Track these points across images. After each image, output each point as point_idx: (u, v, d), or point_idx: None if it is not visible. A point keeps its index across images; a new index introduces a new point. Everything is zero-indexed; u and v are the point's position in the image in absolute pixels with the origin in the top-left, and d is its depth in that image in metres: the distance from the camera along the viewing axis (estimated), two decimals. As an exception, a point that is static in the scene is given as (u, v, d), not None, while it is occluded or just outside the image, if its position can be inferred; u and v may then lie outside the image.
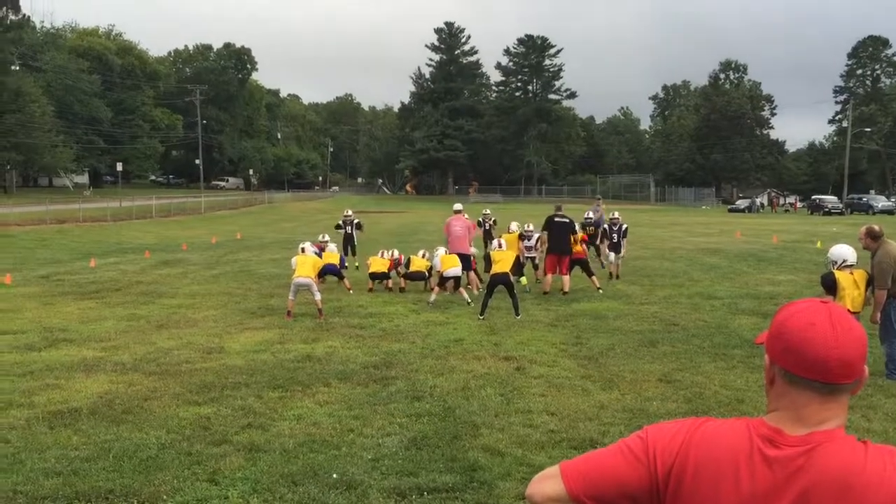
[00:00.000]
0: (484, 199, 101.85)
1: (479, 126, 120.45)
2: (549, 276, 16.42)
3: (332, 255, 17.44)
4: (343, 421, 7.39)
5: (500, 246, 14.40)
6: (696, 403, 8.00)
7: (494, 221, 25.13)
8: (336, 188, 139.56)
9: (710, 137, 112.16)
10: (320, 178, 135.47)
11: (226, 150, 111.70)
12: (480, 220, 24.73)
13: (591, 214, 21.57)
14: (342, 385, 8.76)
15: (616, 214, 20.05)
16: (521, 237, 18.14)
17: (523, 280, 17.35)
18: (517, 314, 13.33)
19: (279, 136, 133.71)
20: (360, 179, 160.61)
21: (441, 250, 16.23)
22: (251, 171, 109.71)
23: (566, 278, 16.25)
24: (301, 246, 14.79)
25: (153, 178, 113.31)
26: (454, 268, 15.41)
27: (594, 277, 16.76)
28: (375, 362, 9.87)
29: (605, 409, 7.77)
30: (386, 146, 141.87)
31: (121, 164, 66.35)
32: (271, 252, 28.01)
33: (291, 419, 7.49)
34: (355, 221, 22.82)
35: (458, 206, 18.15)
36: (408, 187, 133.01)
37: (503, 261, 13.70)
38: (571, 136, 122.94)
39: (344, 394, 8.38)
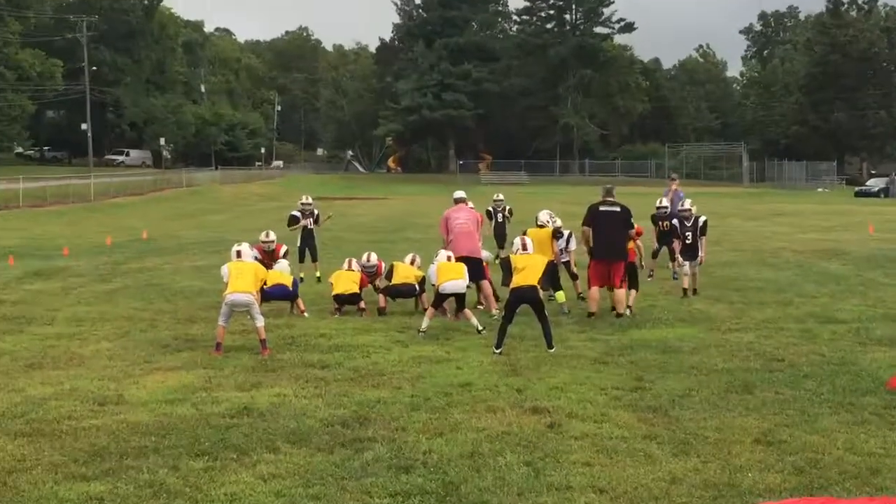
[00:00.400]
0: (500, 180, 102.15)
1: (494, 73, 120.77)
2: (596, 291, 16.43)
3: (283, 275, 17.10)
4: None
5: (523, 247, 14.26)
6: (811, 475, 7.97)
7: (510, 211, 25.16)
8: (279, 164, 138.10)
9: (829, 88, 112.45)
10: (263, 151, 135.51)
11: (126, 109, 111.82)
12: (490, 209, 24.81)
13: (665, 202, 21.53)
14: (296, 451, 8.72)
15: (688, 204, 20.12)
16: (556, 234, 17.86)
17: (559, 296, 17.30)
18: (550, 346, 13.31)
19: (203, 90, 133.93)
20: (320, 151, 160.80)
21: (442, 255, 16.09)
22: (162, 141, 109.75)
23: (620, 293, 16.26)
24: (236, 248, 14.60)
25: (20, 150, 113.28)
26: (455, 280, 15.30)
27: (633, 293, 16.79)
28: (344, 417, 9.85)
29: (679, 484, 7.73)
30: (358, 103, 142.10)
31: (-28, 130, 66.65)
32: (192, 257, 28.02)
33: (222, 501, 7.44)
34: (316, 213, 22.82)
35: (459, 194, 18.15)
36: (390, 162, 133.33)
37: (529, 269, 13.64)
38: (627, 87, 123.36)
39: (298, 463, 8.35)
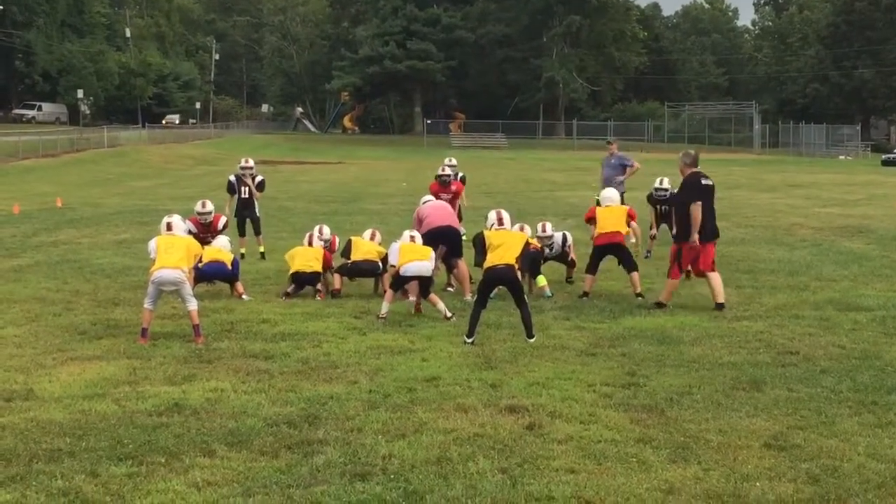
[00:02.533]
0: (474, 142, 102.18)
1: (468, 19, 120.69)
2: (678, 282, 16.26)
3: (221, 251, 17.00)
4: (236, 515, 7.35)
5: (499, 222, 14.24)
6: (828, 484, 8.03)
7: (463, 179, 24.94)
8: (174, 118, 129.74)
9: (854, 41, 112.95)
10: (198, 106, 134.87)
11: (37, 56, 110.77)
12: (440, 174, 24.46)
13: (665, 183, 21.76)
14: (234, 454, 8.72)
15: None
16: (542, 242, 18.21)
17: (540, 280, 17.39)
18: (529, 336, 13.35)
19: (128, 35, 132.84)
20: (265, 108, 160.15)
21: (405, 236, 16.04)
22: (80, 94, 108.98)
23: (715, 277, 15.91)
24: (166, 220, 14.60)
25: None
26: (419, 262, 15.23)
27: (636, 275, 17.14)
28: (290, 416, 9.86)
29: (677, 495, 7.78)
30: (310, 52, 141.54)
31: None
32: (115, 230, 27.88)
33: (148, 512, 7.43)
34: (258, 179, 22.61)
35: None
36: (346, 121, 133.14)
37: (505, 246, 13.65)
38: (622, 37, 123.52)
39: (237, 469, 8.35)
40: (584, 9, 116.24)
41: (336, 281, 17.11)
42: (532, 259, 16.56)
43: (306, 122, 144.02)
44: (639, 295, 16.67)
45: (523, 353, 12.71)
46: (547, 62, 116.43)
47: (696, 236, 15.46)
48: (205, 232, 18.40)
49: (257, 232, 22.14)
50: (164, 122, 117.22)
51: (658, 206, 21.65)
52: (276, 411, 10.02)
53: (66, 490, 7.81)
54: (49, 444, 8.94)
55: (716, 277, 15.90)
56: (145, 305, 13.51)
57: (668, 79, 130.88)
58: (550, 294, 16.89)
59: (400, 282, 15.22)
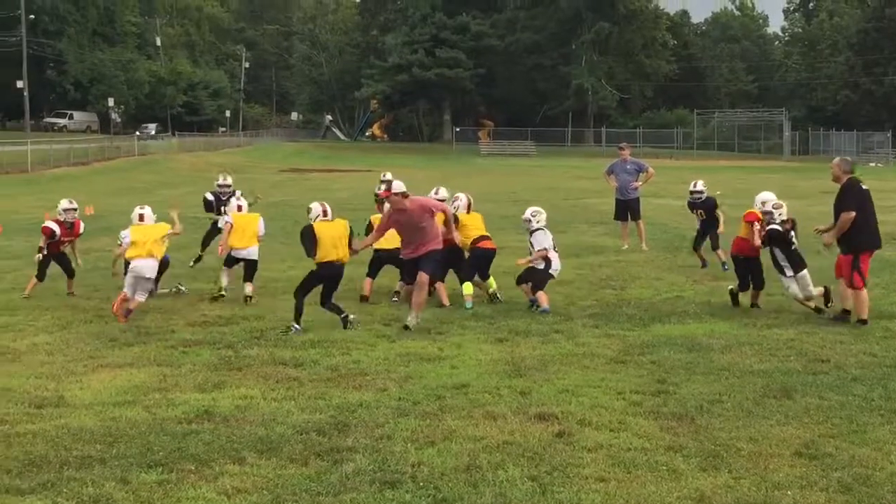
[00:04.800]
0: (503, 150, 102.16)
1: (497, 27, 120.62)
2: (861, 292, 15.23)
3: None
4: (265, 522, 7.36)
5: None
6: (860, 493, 7.99)
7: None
8: (150, 129, 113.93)
9: (884, 47, 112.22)
10: (228, 114, 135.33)
11: (69, 65, 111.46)
12: (377, 191, 24.33)
13: (699, 185, 21.65)
14: (264, 462, 8.74)
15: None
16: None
17: (491, 283, 17.25)
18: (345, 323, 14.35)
19: (158, 44, 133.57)
20: (295, 116, 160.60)
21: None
22: (111, 102, 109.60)
23: (861, 295, 15.17)
24: (139, 211, 16.42)
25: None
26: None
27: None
28: (320, 423, 9.86)
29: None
30: (339, 61, 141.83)
31: None
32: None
33: (178, 519, 7.44)
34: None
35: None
36: (375, 129, 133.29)
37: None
38: (651, 44, 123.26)
39: (267, 476, 8.37)
40: (614, 16, 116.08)
41: (366, 286, 17.16)
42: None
43: (335, 130, 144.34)
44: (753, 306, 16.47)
45: (552, 360, 12.68)
46: (576, 70, 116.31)
47: (832, 240, 15.42)
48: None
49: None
50: (144, 130, 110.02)
51: (696, 211, 21.52)
52: (306, 419, 10.03)
53: (97, 497, 7.84)
54: (80, 450, 8.98)
55: (863, 295, 15.12)
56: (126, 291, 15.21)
57: (697, 86, 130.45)
58: (470, 306, 16.42)
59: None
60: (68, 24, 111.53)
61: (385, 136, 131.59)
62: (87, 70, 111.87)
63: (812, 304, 15.76)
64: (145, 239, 15.65)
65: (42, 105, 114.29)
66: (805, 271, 15.67)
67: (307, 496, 7.90)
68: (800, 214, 35.36)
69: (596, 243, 25.42)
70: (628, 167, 24.65)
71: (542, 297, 16.15)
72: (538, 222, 16.80)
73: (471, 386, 11.31)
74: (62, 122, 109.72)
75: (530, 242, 16.89)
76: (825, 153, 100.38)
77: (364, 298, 17.10)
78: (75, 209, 18.57)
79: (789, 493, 7.99)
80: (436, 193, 18.14)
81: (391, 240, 16.28)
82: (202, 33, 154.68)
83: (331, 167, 79.25)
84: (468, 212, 17.60)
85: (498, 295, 17.11)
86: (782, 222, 15.65)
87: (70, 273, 18.21)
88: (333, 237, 14.74)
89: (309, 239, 14.73)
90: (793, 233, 15.65)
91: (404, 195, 15.27)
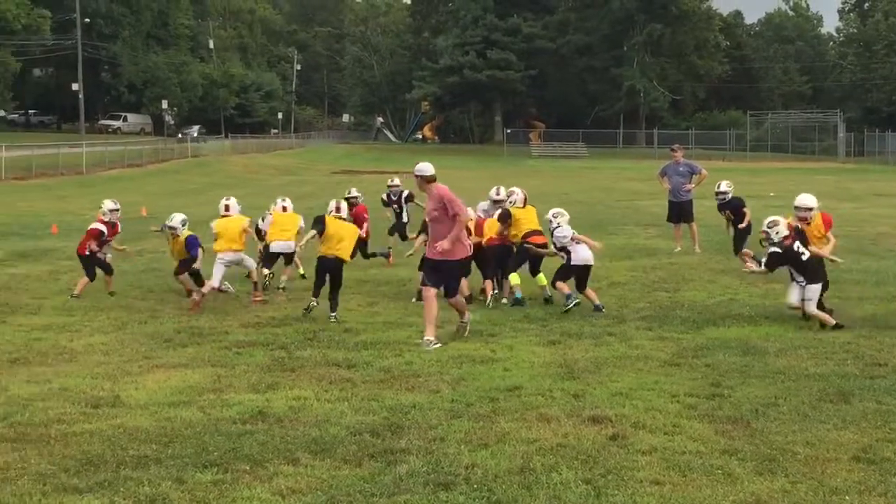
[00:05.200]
0: (555, 152, 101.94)
1: (548, 28, 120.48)
2: None
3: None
4: (320, 523, 7.37)
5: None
6: (919, 499, 7.92)
7: (410, 197, 24.61)
8: (193, 130, 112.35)
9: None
10: (280, 116, 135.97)
11: (123, 68, 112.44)
12: (384, 196, 24.57)
13: (723, 186, 21.71)
14: (318, 462, 8.76)
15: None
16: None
17: (541, 279, 17.44)
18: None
19: (211, 46, 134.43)
20: (346, 117, 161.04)
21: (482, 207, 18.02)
22: (165, 104, 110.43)
23: None
24: (224, 202, 18.13)
25: (2, 113, 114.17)
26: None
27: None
28: (373, 425, 9.88)
29: (763, 508, 7.71)
30: (390, 62, 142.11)
31: (-52, 91, 67.31)
32: (198, 238, 28.12)
33: (233, 519, 7.48)
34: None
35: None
36: (426, 131, 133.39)
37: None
38: (704, 45, 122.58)
39: (321, 477, 8.38)
40: (666, 17, 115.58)
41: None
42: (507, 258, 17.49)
43: (387, 132, 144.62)
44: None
45: (606, 363, 12.64)
46: (628, 71, 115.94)
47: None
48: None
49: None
50: (186, 131, 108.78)
51: (724, 212, 21.57)
52: (359, 420, 10.05)
53: (153, 497, 7.89)
54: (136, 450, 9.04)
55: None
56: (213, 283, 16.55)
57: (750, 87, 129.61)
58: (523, 302, 16.85)
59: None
60: (123, 27, 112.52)
61: (436, 137, 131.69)
62: (141, 72, 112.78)
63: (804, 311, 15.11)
64: (226, 231, 17.14)
65: (97, 107, 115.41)
66: (817, 286, 14.85)
67: (361, 497, 7.90)
68: (853, 217, 35.21)
69: (648, 245, 25.29)
70: (681, 169, 24.53)
71: (562, 287, 16.37)
72: (559, 223, 16.77)
73: (524, 388, 11.30)
74: (116, 124, 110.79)
75: (553, 243, 16.86)
76: (880, 155, 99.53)
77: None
78: (119, 210, 19.25)
79: (847, 498, 7.91)
80: (497, 194, 18.33)
81: None
82: (254, 36, 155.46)
83: (382, 169, 79.27)
84: (524, 206, 17.84)
85: (547, 291, 17.29)
86: (782, 240, 15.01)
87: (109, 271, 18.55)
88: (339, 234, 16.05)
89: (317, 225, 16.17)
90: (798, 243, 14.99)
91: (425, 179, 14.47)
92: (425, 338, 13.65)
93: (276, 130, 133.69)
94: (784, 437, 9.44)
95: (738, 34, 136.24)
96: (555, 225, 16.72)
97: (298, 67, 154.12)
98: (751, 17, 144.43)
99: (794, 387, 11.35)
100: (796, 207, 16.31)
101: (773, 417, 10.11)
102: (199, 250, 17.66)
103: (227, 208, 17.95)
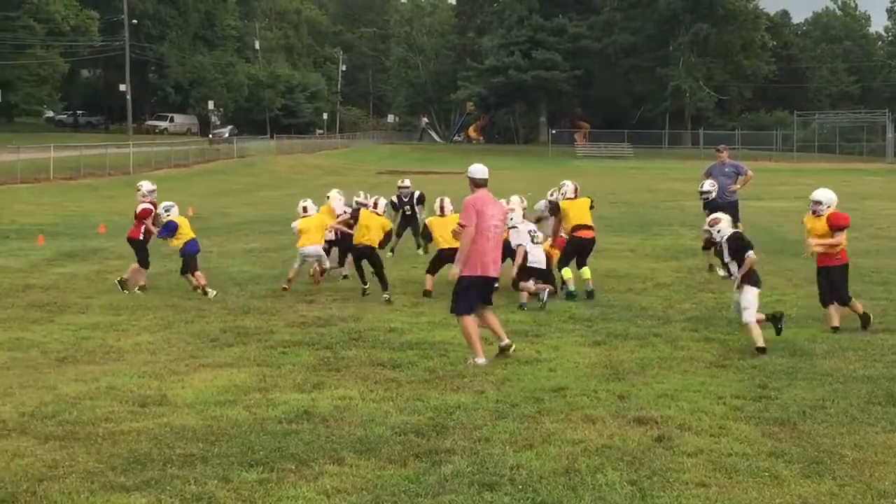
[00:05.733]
0: (600, 152, 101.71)
1: (594, 29, 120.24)
2: None
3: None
4: (365, 522, 7.39)
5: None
6: (969, 503, 7.84)
7: (421, 198, 24.61)
8: (224, 132, 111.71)
9: None
10: (325, 116, 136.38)
11: (170, 69, 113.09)
12: (394, 199, 24.47)
13: (706, 185, 21.32)
14: (363, 462, 8.79)
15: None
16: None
17: (566, 273, 17.65)
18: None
19: (257, 47, 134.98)
20: (391, 118, 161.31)
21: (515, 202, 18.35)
22: (211, 105, 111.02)
23: None
24: (302, 204, 19.28)
25: (51, 114, 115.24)
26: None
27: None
28: (418, 425, 9.90)
29: (811, 511, 7.67)
30: (435, 63, 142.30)
31: (-3, 91, 67.91)
32: (244, 238, 28.32)
33: (279, 518, 7.51)
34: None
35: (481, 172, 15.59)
36: (471, 131, 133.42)
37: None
38: (751, 45, 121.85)
39: (366, 477, 8.42)
40: (712, 17, 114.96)
41: (427, 281, 18.07)
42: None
43: (431, 133, 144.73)
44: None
45: (651, 364, 12.61)
46: (673, 71, 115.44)
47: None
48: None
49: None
50: (216, 132, 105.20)
51: (706, 211, 21.40)
52: (404, 420, 10.07)
53: (200, 495, 7.94)
54: (183, 449, 9.10)
55: None
56: (294, 266, 18.51)
57: (797, 87, 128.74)
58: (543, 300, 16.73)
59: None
60: (170, 28, 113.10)
61: (481, 138, 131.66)
62: (188, 73, 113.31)
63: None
64: (310, 228, 18.64)
65: (144, 108, 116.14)
66: (754, 292, 13.56)
67: (406, 497, 7.92)
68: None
69: (694, 246, 25.11)
70: (726, 169, 24.32)
71: (527, 286, 16.90)
72: (511, 220, 16.98)
73: (569, 389, 11.29)
74: (163, 124, 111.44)
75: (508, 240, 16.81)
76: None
77: (426, 293, 17.89)
78: (156, 190, 19.85)
79: (895, 501, 7.86)
80: (551, 195, 19.14)
81: (450, 239, 16.73)
82: (300, 36, 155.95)
83: (427, 169, 79.38)
84: (575, 196, 18.17)
85: (590, 290, 17.57)
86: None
87: (146, 265, 18.89)
88: (370, 225, 17.95)
89: (354, 217, 18.65)
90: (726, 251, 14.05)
91: (472, 182, 13.06)
92: (477, 360, 12.56)
93: (321, 131, 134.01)
94: (832, 440, 9.39)
95: (784, 34, 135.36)
96: (509, 224, 16.47)
97: (344, 68, 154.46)
98: (798, 17, 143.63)
99: (841, 389, 11.29)
100: (811, 199, 15.88)
101: (821, 420, 10.06)
102: (165, 237, 18.64)
103: (305, 209, 19.14)
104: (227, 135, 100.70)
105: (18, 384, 11.60)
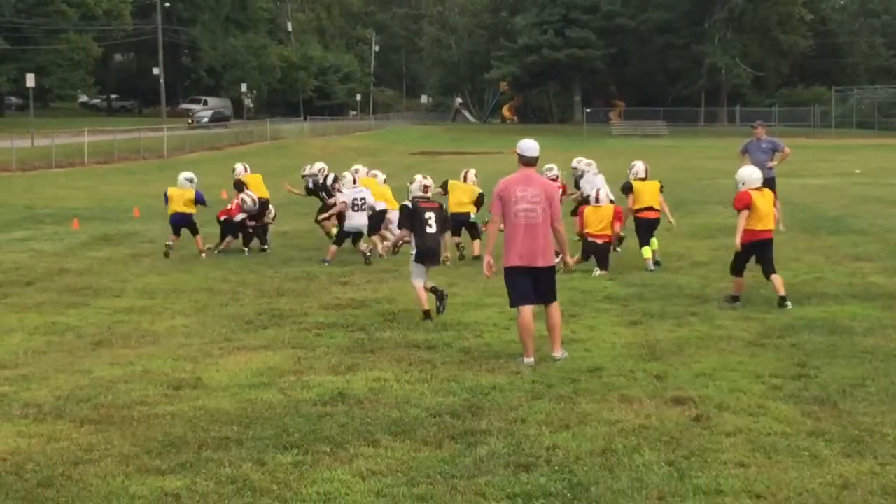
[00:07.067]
0: (635, 131, 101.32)
1: (628, 6, 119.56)
2: None
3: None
4: (401, 505, 7.38)
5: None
6: None
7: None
8: (205, 115, 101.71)
9: None
10: (358, 98, 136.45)
11: (203, 52, 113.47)
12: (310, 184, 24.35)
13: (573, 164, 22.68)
14: (398, 444, 8.79)
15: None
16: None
17: (646, 251, 18.63)
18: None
19: (290, 29, 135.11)
20: (424, 99, 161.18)
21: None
22: (244, 88, 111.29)
23: None
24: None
25: (85, 99, 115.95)
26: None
27: None
28: (454, 406, 9.89)
29: (853, 490, 7.60)
30: (468, 43, 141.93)
31: (31, 76, 68.12)
32: (278, 221, 28.31)
33: (314, 501, 7.52)
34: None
35: (531, 149, 14.49)
36: (505, 111, 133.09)
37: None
38: (787, 20, 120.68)
39: (401, 459, 8.41)
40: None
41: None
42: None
43: (465, 113, 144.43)
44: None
45: (688, 343, 12.56)
46: (709, 48, 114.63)
47: None
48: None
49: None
50: (189, 121, 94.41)
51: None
52: (439, 401, 10.06)
53: (234, 477, 7.95)
54: (217, 432, 9.13)
55: None
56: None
57: (835, 62, 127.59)
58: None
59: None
60: (202, 10, 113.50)
61: (515, 117, 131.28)
62: (221, 56, 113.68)
63: None
64: (461, 194, 20.30)
65: (177, 91, 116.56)
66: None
67: (441, 479, 7.91)
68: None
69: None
70: (763, 146, 24.18)
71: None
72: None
73: (605, 369, 11.26)
74: (197, 107, 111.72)
75: None
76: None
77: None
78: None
79: (938, 480, 7.79)
80: (631, 169, 19.41)
81: (461, 204, 20.13)
82: (332, 18, 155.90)
83: (461, 150, 79.38)
84: (646, 177, 19.11)
85: (657, 261, 18.63)
86: None
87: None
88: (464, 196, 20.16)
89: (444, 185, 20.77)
90: None
91: (520, 160, 12.28)
92: (525, 359, 11.74)
93: (354, 112, 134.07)
94: (872, 419, 9.33)
95: (822, 8, 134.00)
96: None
97: (377, 49, 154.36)
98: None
99: (882, 367, 11.22)
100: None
101: (861, 398, 10.00)
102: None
103: (465, 177, 20.79)
104: (206, 120, 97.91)
105: (54, 368, 11.68)
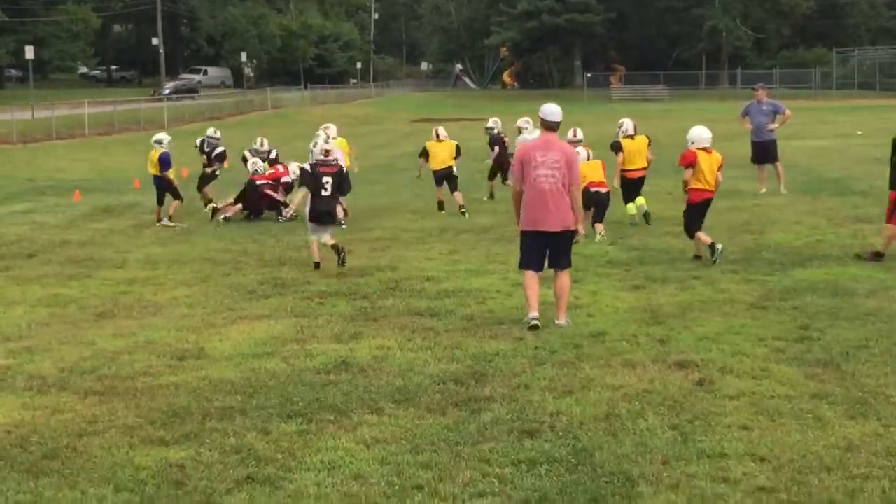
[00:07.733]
0: (635, 95, 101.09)
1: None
2: None
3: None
4: (405, 473, 7.39)
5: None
6: None
7: (221, 155, 25.60)
8: (168, 88, 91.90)
9: None
10: (358, 66, 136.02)
11: (202, 21, 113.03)
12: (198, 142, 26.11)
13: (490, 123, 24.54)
14: (402, 412, 8.80)
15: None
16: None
17: (630, 207, 19.28)
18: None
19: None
20: (425, 66, 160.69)
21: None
22: (244, 57, 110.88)
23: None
24: (435, 129, 22.44)
25: (84, 70, 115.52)
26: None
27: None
28: (457, 373, 9.89)
29: (856, 452, 7.61)
30: (468, 9, 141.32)
31: (31, 48, 67.87)
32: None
33: (318, 469, 7.54)
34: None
35: (553, 113, 14.14)
36: (506, 77, 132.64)
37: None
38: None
39: (405, 426, 8.42)
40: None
41: (438, 193, 21.61)
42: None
43: (466, 79, 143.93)
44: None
45: (691, 307, 12.57)
46: (709, 10, 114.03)
47: None
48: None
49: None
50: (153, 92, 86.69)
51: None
52: (443, 368, 10.07)
53: (239, 447, 7.96)
54: (221, 401, 9.14)
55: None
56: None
57: (836, 23, 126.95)
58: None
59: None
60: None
61: (515, 83, 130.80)
62: (220, 26, 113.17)
63: None
64: (439, 153, 21.51)
65: (177, 61, 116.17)
66: None
67: (446, 446, 7.92)
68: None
69: (733, 187, 24.92)
70: (764, 108, 24.13)
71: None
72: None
73: (608, 334, 11.27)
74: (197, 77, 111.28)
75: None
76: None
77: (440, 205, 21.42)
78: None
79: (942, 441, 7.80)
80: (574, 135, 18.93)
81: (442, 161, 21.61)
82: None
83: (462, 116, 79.15)
84: (635, 134, 19.53)
85: (647, 212, 19.29)
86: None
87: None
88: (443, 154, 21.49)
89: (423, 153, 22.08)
90: None
91: (542, 124, 12.39)
92: (529, 314, 11.78)
93: (355, 80, 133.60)
94: (876, 381, 9.34)
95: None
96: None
97: (376, 16, 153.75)
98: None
99: (885, 328, 11.23)
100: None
101: (865, 360, 10.01)
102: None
103: (437, 134, 22.00)
104: (167, 92, 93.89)
105: (57, 340, 11.69)
